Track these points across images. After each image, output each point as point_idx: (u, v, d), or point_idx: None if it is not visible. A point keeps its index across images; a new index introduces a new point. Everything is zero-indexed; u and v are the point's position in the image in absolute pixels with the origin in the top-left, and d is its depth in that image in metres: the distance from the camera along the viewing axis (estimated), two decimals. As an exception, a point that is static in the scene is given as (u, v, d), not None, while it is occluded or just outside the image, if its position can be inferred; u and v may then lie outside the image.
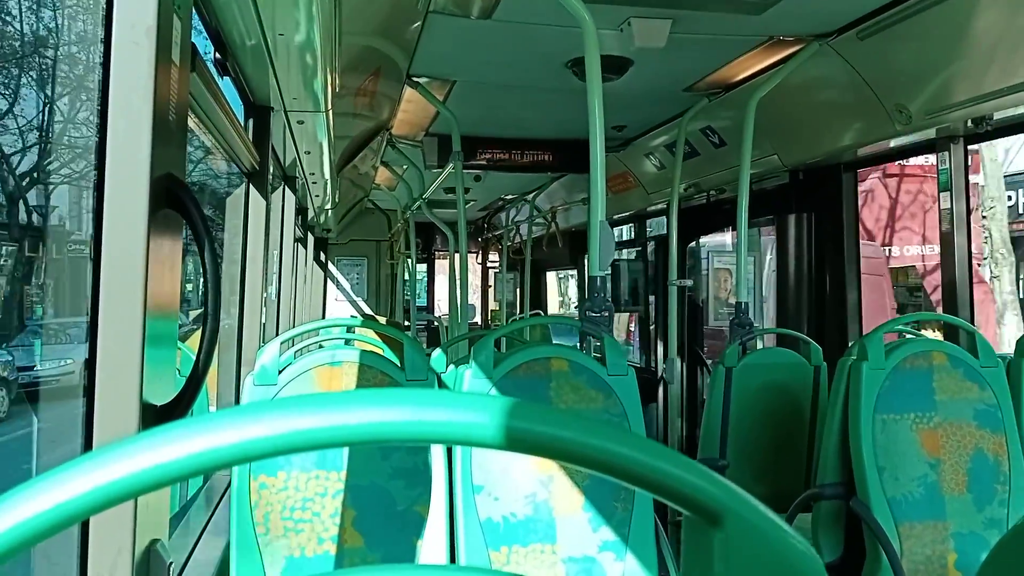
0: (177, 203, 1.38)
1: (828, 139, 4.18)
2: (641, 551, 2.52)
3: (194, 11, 1.66)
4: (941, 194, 3.79)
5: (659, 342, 6.63)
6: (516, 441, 0.48)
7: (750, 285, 4.46)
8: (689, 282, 5.96)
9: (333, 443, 0.47)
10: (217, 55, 2.51)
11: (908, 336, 3.35)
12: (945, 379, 3.04)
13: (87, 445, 1.21)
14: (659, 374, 5.64)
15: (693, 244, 6.53)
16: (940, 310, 3.85)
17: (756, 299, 5.39)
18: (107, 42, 1.27)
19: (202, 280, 1.47)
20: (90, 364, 1.21)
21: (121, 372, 1.21)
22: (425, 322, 10.99)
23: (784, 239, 4.82)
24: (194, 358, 1.46)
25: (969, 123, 3.46)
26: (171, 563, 1.36)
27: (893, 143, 3.92)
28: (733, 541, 0.51)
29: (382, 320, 8.62)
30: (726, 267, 5.59)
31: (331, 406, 0.46)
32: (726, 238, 8.07)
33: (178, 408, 1.36)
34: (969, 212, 3.75)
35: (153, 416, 1.28)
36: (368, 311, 10.44)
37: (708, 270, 6.02)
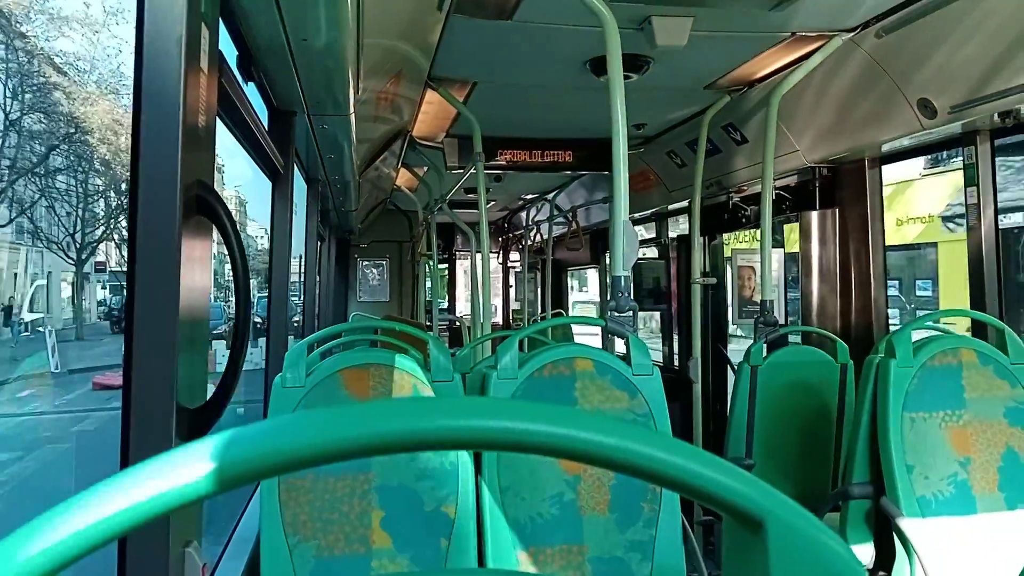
0: (207, 209, 1.39)
1: (852, 135, 4.14)
2: (669, 551, 2.52)
3: (221, 19, 1.68)
4: (967, 189, 3.75)
5: (683, 340, 6.61)
6: (554, 448, 0.48)
7: (775, 282, 4.42)
8: (712, 280, 5.93)
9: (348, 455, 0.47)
10: (241, 60, 2.54)
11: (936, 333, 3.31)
12: (975, 376, 3.00)
13: (124, 448, 1.22)
14: (685, 373, 5.61)
15: (716, 241, 6.50)
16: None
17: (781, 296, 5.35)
18: (138, 51, 1.29)
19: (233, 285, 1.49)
20: (126, 369, 1.23)
21: (155, 376, 1.23)
22: (447, 322, 11.01)
23: (808, 236, 4.79)
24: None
25: (996, 117, 3.41)
26: (204, 564, 1.38)
27: (919, 138, 3.88)
28: (775, 546, 0.51)
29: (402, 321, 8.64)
30: (749, 264, 5.55)
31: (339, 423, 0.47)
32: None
33: (211, 412, 1.38)
34: (996, 207, 3.70)
35: (187, 419, 1.30)
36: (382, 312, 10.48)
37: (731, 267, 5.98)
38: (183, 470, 0.45)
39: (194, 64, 1.35)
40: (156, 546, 1.21)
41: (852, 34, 3.58)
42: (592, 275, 11.44)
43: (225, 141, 2.52)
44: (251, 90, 2.75)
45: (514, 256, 12.64)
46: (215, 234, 1.52)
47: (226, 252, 1.48)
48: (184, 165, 1.29)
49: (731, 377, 4.33)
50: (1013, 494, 2.91)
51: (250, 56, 2.52)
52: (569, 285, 11.81)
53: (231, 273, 1.51)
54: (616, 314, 2.79)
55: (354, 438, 0.47)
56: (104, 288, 18.21)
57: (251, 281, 1.52)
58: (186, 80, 1.30)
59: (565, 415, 0.48)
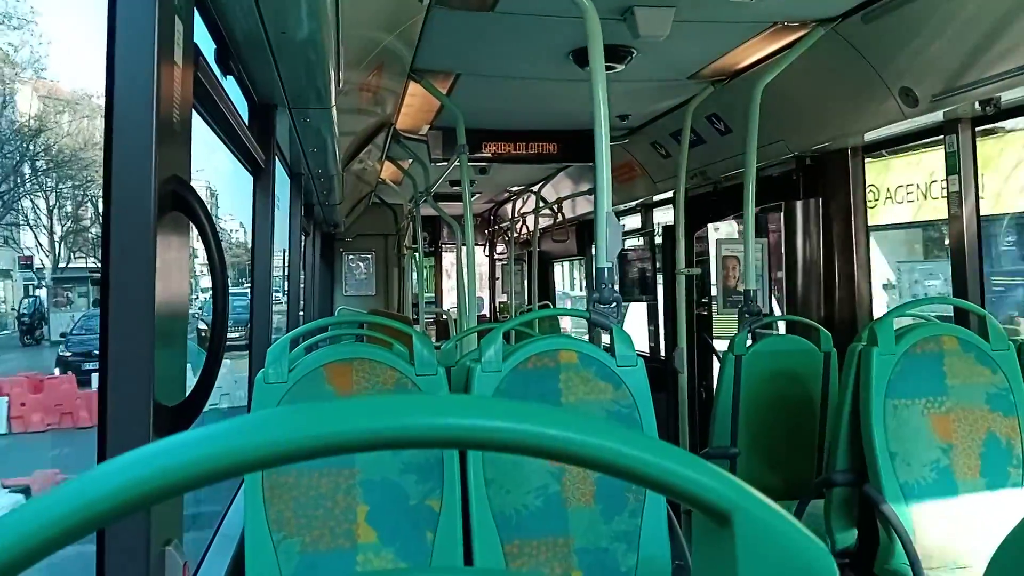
0: (184, 205, 1.38)
1: (835, 124, 4.16)
2: (655, 541, 2.53)
3: (196, 11, 1.66)
4: (949, 177, 3.77)
5: (668, 331, 6.63)
6: (515, 444, 0.48)
7: (759, 272, 4.44)
8: (697, 270, 5.95)
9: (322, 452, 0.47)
10: (220, 54, 2.51)
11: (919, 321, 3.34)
12: (956, 363, 3.02)
13: (101, 447, 1.21)
14: (671, 363, 5.63)
15: (700, 232, 6.52)
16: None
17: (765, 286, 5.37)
18: (110, 45, 1.28)
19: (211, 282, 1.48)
20: (102, 367, 1.22)
21: (132, 374, 1.22)
22: (433, 316, 10.99)
23: (792, 225, 4.81)
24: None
25: (977, 106, 3.43)
26: (185, 563, 1.37)
27: (901, 127, 3.89)
28: (743, 538, 0.51)
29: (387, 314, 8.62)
30: (734, 254, 5.57)
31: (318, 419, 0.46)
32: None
33: (190, 410, 1.37)
34: (978, 195, 3.72)
35: (165, 417, 1.29)
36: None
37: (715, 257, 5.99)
38: (160, 462, 0.45)
39: (167, 57, 1.34)
40: (135, 544, 1.21)
41: (834, 23, 3.59)
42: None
43: (206, 137, 2.50)
44: (231, 84, 2.72)
45: (500, 248, 12.63)
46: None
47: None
48: (159, 160, 1.28)
49: (717, 366, 4.34)
50: (994, 479, 2.94)
51: (228, 49, 2.49)
52: (558, 276, 11.81)
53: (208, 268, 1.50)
54: (600, 305, 2.78)
55: (330, 435, 0.46)
56: (41, 288, 16.21)
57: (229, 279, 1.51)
58: (159, 74, 1.29)
59: (522, 410, 0.47)
